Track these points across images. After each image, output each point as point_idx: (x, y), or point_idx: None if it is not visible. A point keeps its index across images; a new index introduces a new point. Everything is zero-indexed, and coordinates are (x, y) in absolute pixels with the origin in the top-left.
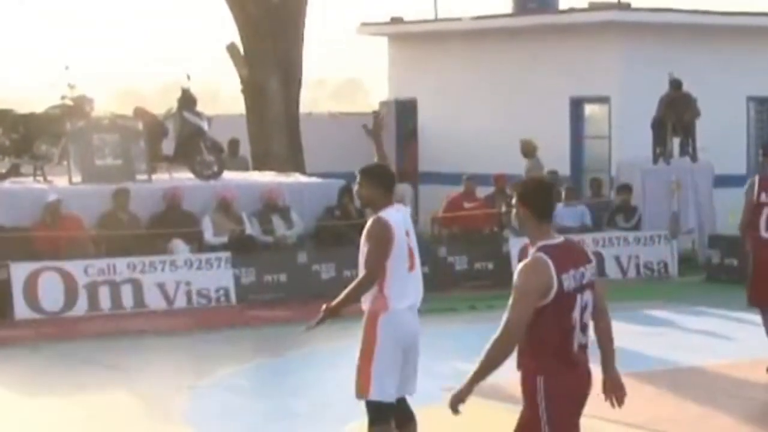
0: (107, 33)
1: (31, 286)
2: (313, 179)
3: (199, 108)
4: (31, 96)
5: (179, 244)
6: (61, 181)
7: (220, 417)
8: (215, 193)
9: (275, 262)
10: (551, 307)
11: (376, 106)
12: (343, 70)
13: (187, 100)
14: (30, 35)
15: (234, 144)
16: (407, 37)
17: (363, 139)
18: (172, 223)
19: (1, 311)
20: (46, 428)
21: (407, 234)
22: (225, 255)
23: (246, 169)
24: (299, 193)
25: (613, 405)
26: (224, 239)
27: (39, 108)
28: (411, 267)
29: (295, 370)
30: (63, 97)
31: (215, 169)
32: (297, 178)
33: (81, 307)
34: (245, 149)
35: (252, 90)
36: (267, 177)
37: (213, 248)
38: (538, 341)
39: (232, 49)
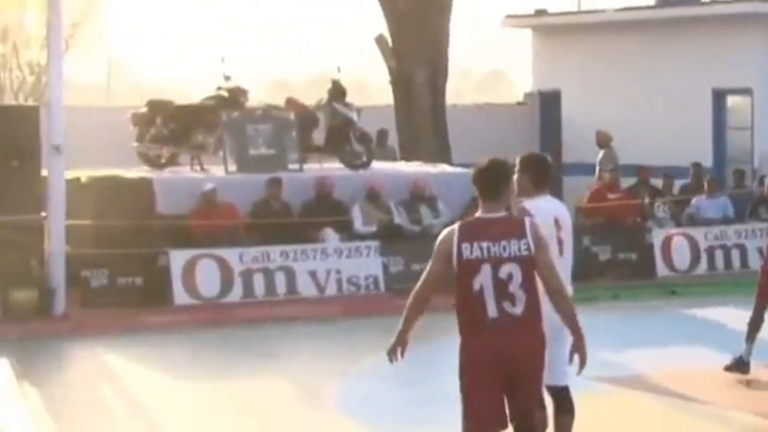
0: (260, 25)
1: (188, 272)
2: (459, 169)
3: (349, 99)
4: (189, 87)
5: (330, 233)
6: (216, 171)
7: (368, 403)
8: (364, 182)
9: (423, 250)
10: (457, 272)
11: (520, 97)
12: (488, 62)
13: (337, 92)
14: (188, 27)
15: (382, 134)
16: (551, 29)
17: (508, 130)
18: (323, 212)
19: (160, 297)
20: (200, 413)
21: (556, 222)
22: (374, 244)
23: (394, 159)
24: (445, 183)
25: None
26: (373, 228)
27: (196, 99)
28: (560, 253)
29: (442, 357)
30: (218, 89)
31: (364, 159)
32: (443, 168)
33: (236, 293)
34: (393, 139)
35: (400, 81)
36: (414, 167)
37: (362, 237)
38: (457, 305)
39: (380, 41)
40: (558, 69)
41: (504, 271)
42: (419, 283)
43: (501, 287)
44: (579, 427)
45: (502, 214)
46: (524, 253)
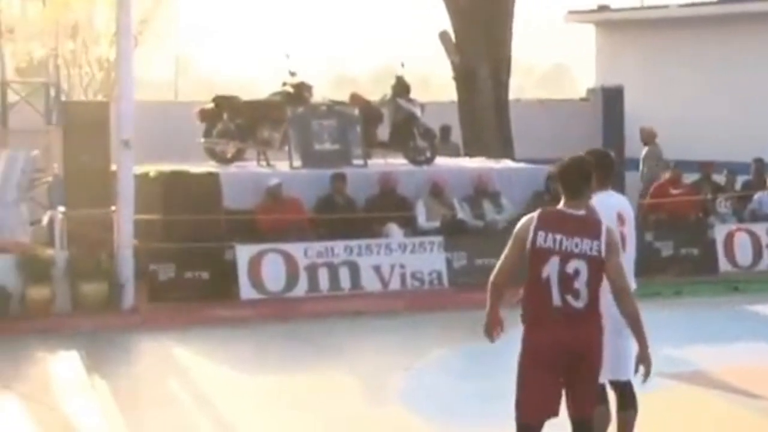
0: (325, 21)
1: (254, 267)
2: (522, 165)
3: (413, 95)
4: (255, 83)
5: (394, 228)
6: (282, 166)
7: (432, 397)
8: (428, 178)
9: (486, 246)
10: (529, 258)
11: (583, 93)
12: (551, 57)
13: (401, 87)
14: (254, 24)
15: (446, 130)
16: (614, 25)
17: (570, 125)
18: (387, 207)
19: (226, 291)
20: (265, 406)
21: (619, 217)
22: (438, 239)
23: (457, 154)
24: (508, 179)
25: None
26: (437, 223)
27: (262, 95)
28: (623, 248)
29: (505, 352)
30: (284, 84)
31: (428, 154)
32: (506, 163)
33: (301, 288)
34: (456, 135)
35: (463, 77)
36: (477, 163)
37: (426, 232)
38: (525, 291)
39: (444, 36)
40: (621, 64)
41: (571, 266)
42: (495, 269)
43: (566, 281)
44: (641, 422)
45: (582, 212)
46: (594, 253)
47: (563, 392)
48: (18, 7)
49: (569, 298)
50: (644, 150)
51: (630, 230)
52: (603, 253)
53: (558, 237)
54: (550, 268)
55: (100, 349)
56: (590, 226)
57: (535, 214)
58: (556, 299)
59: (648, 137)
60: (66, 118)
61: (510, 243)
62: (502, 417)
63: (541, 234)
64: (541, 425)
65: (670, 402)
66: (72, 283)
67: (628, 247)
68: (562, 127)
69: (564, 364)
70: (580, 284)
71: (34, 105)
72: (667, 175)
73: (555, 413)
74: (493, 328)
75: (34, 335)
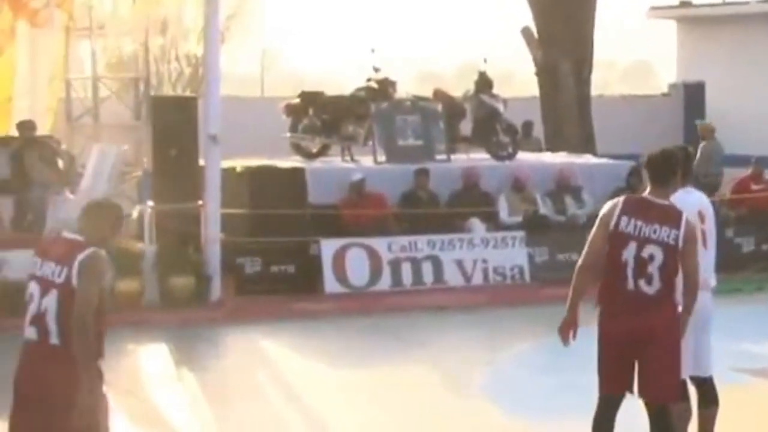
0: (409, 17)
1: (339, 261)
2: (604, 160)
3: (495, 90)
4: (340, 79)
5: (476, 223)
6: (366, 161)
7: (513, 391)
8: (510, 173)
9: (568, 241)
10: (609, 241)
11: (664, 88)
12: (633, 53)
13: (484, 83)
14: (339, 19)
15: (528, 125)
16: (696, 21)
17: (652, 121)
18: (470, 202)
19: (311, 285)
20: (350, 399)
21: (699, 214)
22: (519, 234)
23: (539, 150)
24: (590, 174)
25: None
26: (519, 218)
27: (346, 90)
28: (704, 245)
29: (586, 347)
30: (368, 80)
31: (510, 150)
32: (588, 158)
33: (385, 282)
34: (538, 130)
35: (545, 72)
36: (559, 158)
37: (508, 227)
38: (603, 274)
39: (526, 32)
40: (703, 60)
41: (647, 251)
42: (582, 254)
43: (641, 266)
44: (722, 418)
45: (665, 201)
46: (671, 242)
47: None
48: (109, 4)
49: (642, 282)
50: (701, 145)
51: (710, 227)
52: (680, 243)
53: (639, 223)
54: (627, 253)
55: (187, 341)
56: (671, 215)
57: (621, 199)
58: (630, 284)
59: (705, 132)
60: (155, 113)
61: (595, 226)
62: (582, 410)
63: (623, 219)
64: (620, 396)
65: (749, 397)
66: (160, 277)
67: (709, 244)
68: (644, 123)
69: (633, 347)
70: (653, 269)
71: (124, 100)
72: (748, 171)
73: (630, 388)
74: (567, 330)
75: (124, 328)
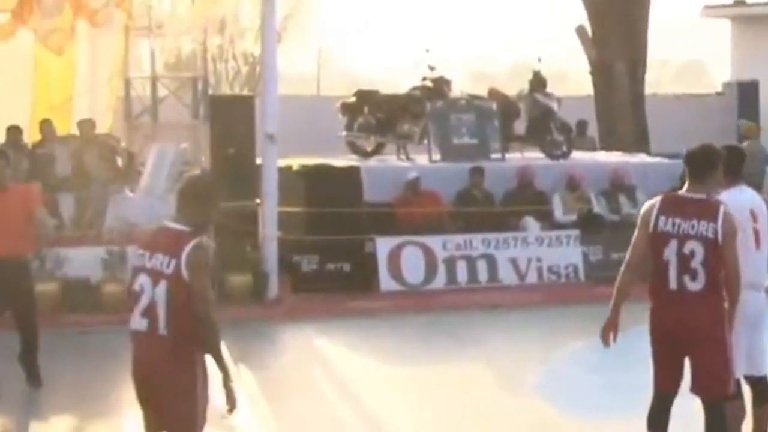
0: (463, 16)
1: (394, 259)
2: (658, 159)
3: (549, 89)
4: (395, 78)
5: (530, 222)
6: (421, 159)
7: (567, 389)
8: (564, 172)
9: (622, 240)
10: (651, 242)
11: (718, 88)
12: (687, 51)
13: (538, 82)
14: (395, 18)
15: (582, 124)
16: (750, 20)
17: (705, 120)
18: (524, 200)
19: (367, 283)
20: (405, 397)
21: (752, 213)
22: (574, 233)
23: (593, 149)
24: (644, 173)
25: None
26: (573, 217)
27: (402, 89)
28: (756, 245)
29: (638, 346)
30: (424, 79)
31: (564, 148)
32: (642, 158)
33: (440, 280)
34: (593, 129)
35: (599, 71)
36: (613, 157)
37: (562, 226)
38: (651, 275)
39: (581, 31)
40: (756, 59)
41: (688, 247)
42: (626, 255)
43: (684, 262)
44: None
45: (702, 195)
46: (710, 235)
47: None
48: (168, 3)
49: (686, 279)
50: (744, 144)
51: (764, 226)
52: (719, 236)
53: (677, 220)
54: (669, 252)
55: (245, 338)
56: (708, 208)
57: (658, 198)
58: (673, 282)
59: (748, 132)
60: (213, 112)
61: (637, 227)
62: (636, 408)
63: (662, 219)
64: (674, 393)
65: None
66: (218, 274)
67: (762, 243)
68: (698, 122)
69: (681, 344)
70: (696, 264)
71: (182, 99)
72: None
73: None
74: (608, 331)
75: None
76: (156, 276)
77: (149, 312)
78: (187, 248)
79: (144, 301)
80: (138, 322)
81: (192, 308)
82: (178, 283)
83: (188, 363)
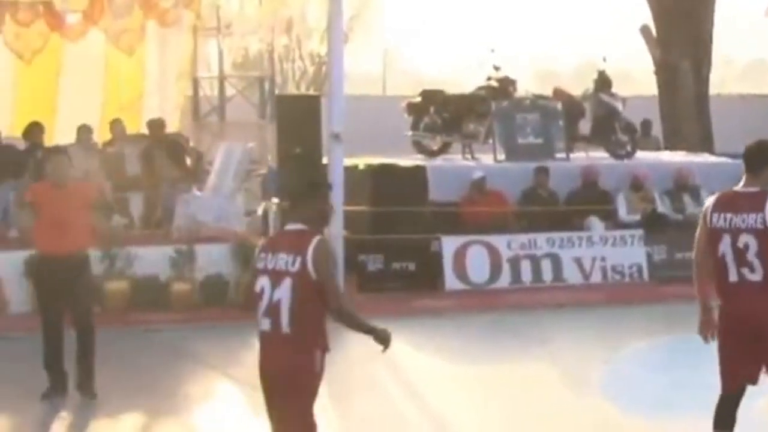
0: (528, 16)
1: (459, 258)
2: (723, 159)
3: (614, 89)
4: (460, 77)
5: (595, 221)
6: (486, 159)
7: (630, 388)
8: (629, 171)
9: (686, 239)
10: (708, 238)
11: None
12: (751, 52)
13: (602, 82)
14: (459, 19)
15: (646, 124)
16: None
17: None
18: (588, 200)
19: (432, 282)
20: (470, 395)
21: None
22: (638, 232)
23: (658, 148)
24: (708, 173)
25: None
26: (637, 217)
27: (467, 89)
28: None
29: (704, 346)
30: (488, 79)
31: (629, 148)
32: (706, 157)
33: (504, 279)
34: (657, 129)
35: (664, 71)
36: (678, 157)
37: (626, 225)
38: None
39: (645, 31)
40: None
41: (741, 240)
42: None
43: (740, 255)
44: None
45: (755, 189)
46: (759, 226)
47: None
48: (236, 4)
49: (745, 271)
50: None
51: None
52: (767, 223)
53: (728, 215)
54: (724, 246)
55: None
56: (757, 200)
57: (715, 196)
58: (733, 275)
59: None
60: (279, 111)
61: (699, 224)
62: (700, 407)
63: (715, 215)
64: (740, 392)
65: None
66: None
67: None
68: (762, 121)
69: (748, 337)
70: (751, 257)
71: (249, 98)
72: None
73: (751, 380)
74: (705, 330)
75: (249, 322)
76: (278, 276)
77: (271, 312)
78: (312, 245)
79: (265, 302)
80: (262, 323)
81: (321, 303)
82: (303, 279)
83: (309, 361)
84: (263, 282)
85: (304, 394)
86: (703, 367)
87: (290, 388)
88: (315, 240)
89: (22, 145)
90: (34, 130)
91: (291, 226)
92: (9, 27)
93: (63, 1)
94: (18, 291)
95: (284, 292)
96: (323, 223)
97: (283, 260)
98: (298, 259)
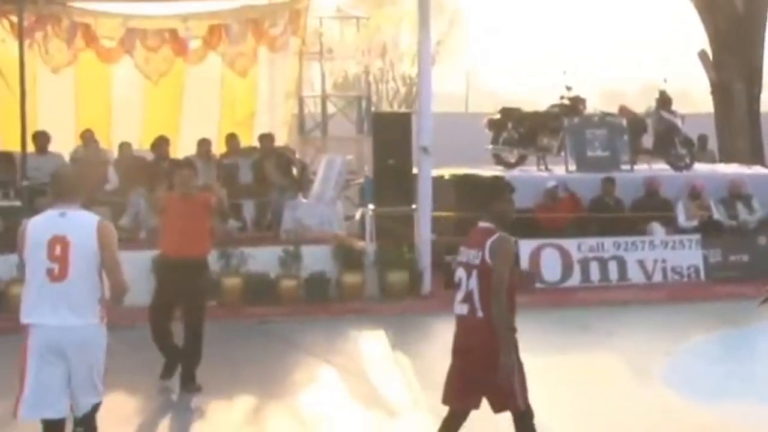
0: (597, 40)
1: (534, 259)
2: None
3: (674, 107)
4: (536, 96)
5: (656, 227)
6: (558, 170)
7: (691, 379)
8: (687, 182)
9: (739, 243)
10: None
11: None
12: None
13: (664, 100)
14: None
15: (703, 139)
16: None
17: None
18: (651, 207)
19: None
20: (540, 384)
21: None
22: (695, 237)
23: (713, 161)
24: (760, 184)
25: None
26: (694, 223)
27: (541, 107)
28: None
29: (757, 339)
30: (561, 98)
31: (687, 161)
32: (758, 169)
33: (575, 279)
34: (713, 144)
35: (719, 91)
36: (731, 168)
37: (685, 231)
38: None
39: (702, 55)
40: None
41: None
42: None
43: None
44: None
45: None
46: None
47: None
48: (337, 31)
49: None
50: None
51: None
52: None
53: None
54: None
55: (402, 329)
56: None
57: None
58: None
59: None
60: (375, 127)
61: None
62: (755, 396)
63: None
64: None
65: None
66: (379, 271)
67: None
68: None
69: None
70: None
71: (348, 116)
72: None
73: None
74: None
75: (348, 316)
76: (469, 268)
77: (467, 299)
78: (491, 240)
79: (462, 290)
80: (459, 308)
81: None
82: (484, 270)
83: (501, 339)
84: (460, 273)
85: (501, 371)
86: (757, 357)
87: (487, 365)
88: (496, 235)
89: (150, 156)
90: (160, 144)
91: (481, 224)
92: (139, 52)
93: (186, 29)
94: (145, 286)
95: (474, 283)
96: (506, 221)
97: (472, 255)
98: (480, 253)
